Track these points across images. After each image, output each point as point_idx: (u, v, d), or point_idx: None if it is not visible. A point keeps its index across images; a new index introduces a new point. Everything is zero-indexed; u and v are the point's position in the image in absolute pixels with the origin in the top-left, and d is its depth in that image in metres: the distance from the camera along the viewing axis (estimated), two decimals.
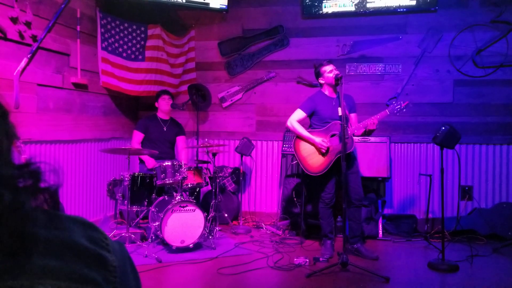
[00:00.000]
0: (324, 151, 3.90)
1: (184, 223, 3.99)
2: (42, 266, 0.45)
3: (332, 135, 3.93)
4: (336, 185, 4.04)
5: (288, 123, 4.09)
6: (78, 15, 4.58)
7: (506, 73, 5.04)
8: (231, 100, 5.77)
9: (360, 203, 4.02)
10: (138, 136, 4.90)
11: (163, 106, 4.93)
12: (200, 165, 4.87)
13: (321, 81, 4.04)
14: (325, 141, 3.90)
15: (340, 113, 3.70)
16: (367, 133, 3.88)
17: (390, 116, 3.94)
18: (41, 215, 0.49)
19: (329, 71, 3.96)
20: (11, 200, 0.45)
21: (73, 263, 0.48)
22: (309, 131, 4.02)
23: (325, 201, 4.02)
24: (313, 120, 4.09)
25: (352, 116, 4.08)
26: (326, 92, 4.05)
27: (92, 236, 0.53)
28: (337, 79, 3.82)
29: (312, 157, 3.98)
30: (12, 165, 0.48)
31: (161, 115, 5.00)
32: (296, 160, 4.10)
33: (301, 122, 4.08)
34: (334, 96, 4.03)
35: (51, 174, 0.50)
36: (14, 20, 3.72)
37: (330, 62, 4.02)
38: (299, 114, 4.07)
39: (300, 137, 4.04)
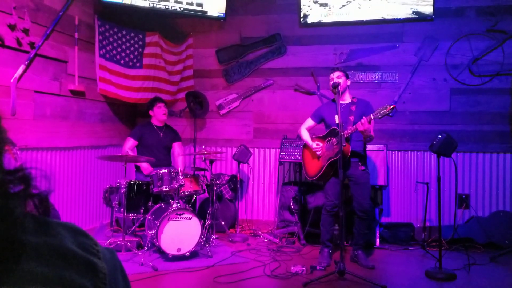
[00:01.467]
0: (318, 154, 4.04)
1: (181, 231, 3.97)
2: (30, 272, 0.45)
3: (328, 140, 3.98)
4: (339, 194, 4.03)
5: (299, 130, 4.33)
6: (76, 22, 4.60)
7: (502, 81, 5.07)
8: (229, 108, 5.77)
9: (365, 215, 3.97)
10: (130, 143, 4.81)
11: (160, 115, 4.84)
12: (197, 172, 4.86)
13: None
14: (318, 144, 4.03)
15: (337, 121, 3.70)
16: (365, 136, 3.81)
17: (383, 121, 3.89)
18: (31, 221, 0.49)
19: (330, 78, 4.01)
20: (0, 206, 0.44)
21: (63, 269, 0.47)
22: (312, 138, 4.16)
23: (326, 208, 4.04)
24: (324, 128, 4.18)
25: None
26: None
27: (82, 243, 0.52)
28: (334, 86, 3.84)
29: (311, 162, 4.16)
30: (3, 171, 0.48)
31: (156, 122, 4.94)
32: (302, 165, 4.33)
33: (311, 129, 4.26)
34: (344, 102, 4.05)
35: (42, 180, 0.50)
36: (12, 27, 3.73)
37: (334, 70, 4.08)
38: (308, 122, 4.28)
39: (306, 144, 4.24)
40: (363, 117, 3.65)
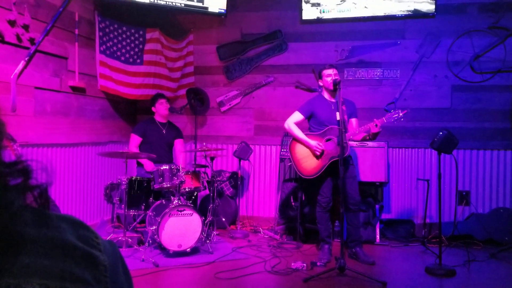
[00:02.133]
0: (318, 154, 3.95)
1: (182, 227, 3.97)
2: (30, 265, 0.44)
3: (328, 139, 3.95)
4: (333, 190, 4.04)
5: (285, 125, 4.15)
6: (77, 19, 4.59)
7: (503, 78, 5.06)
8: (230, 104, 5.77)
9: (357, 207, 4.00)
10: (135, 140, 4.87)
11: (162, 110, 4.90)
12: (198, 169, 4.86)
13: (320, 84, 4.11)
14: (320, 144, 3.94)
15: (338, 118, 3.70)
16: (372, 136, 3.84)
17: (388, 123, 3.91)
18: (30, 213, 0.48)
19: (327, 75, 3.97)
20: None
21: (63, 262, 0.47)
22: (305, 134, 4.05)
23: (321, 205, 4.03)
24: (311, 123, 4.12)
25: (353, 121, 4.07)
26: (326, 96, 4.08)
27: (82, 235, 0.52)
28: (335, 84, 3.82)
29: (306, 160, 4.03)
30: (2, 163, 0.48)
31: (159, 118, 4.98)
32: (291, 162, 4.16)
33: (298, 124, 4.11)
34: (334, 100, 4.02)
35: (41, 172, 0.50)
36: (12, 23, 3.72)
37: (331, 66, 4.04)
38: (296, 116, 4.12)
39: (296, 140, 4.09)
40: (374, 119, 3.70)
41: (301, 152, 4.06)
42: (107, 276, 0.51)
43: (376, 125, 3.68)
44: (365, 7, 5.19)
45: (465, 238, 4.58)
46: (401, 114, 3.70)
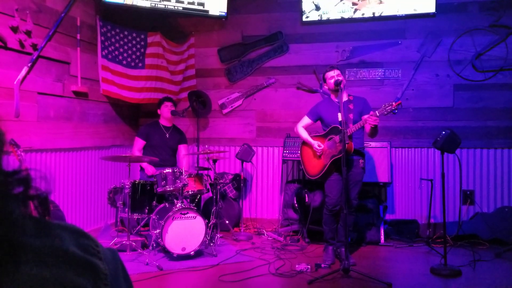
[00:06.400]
0: (319, 154, 4.00)
1: (185, 230, 3.98)
2: (30, 274, 0.45)
3: (329, 139, 3.96)
4: (340, 192, 4.01)
5: (295, 129, 4.28)
6: (78, 24, 4.61)
7: (505, 77, 5.04)
8: (231, 107, 5.77)
9: (352, 211, 3.99)
10: (139, 143, 4.88)
11: (165, 113, 4.93)
12: (200, 171, 4.86)
13: (326, 87, 4.13)
14: (320, 144, 3.99)
15: (340, 118, 3.69)
16: (371, 132, 3.81)
17: (386, 118, 3.82)
18: (30, 222, 0.48)
19: (330, 77, 3.97)
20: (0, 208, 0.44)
21: (63, 271, 0.47)
22: (312, 136, 4.12)
23: (328, 207, 4.01)
24: (322, 126, 4.16)
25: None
26: (333, 98, 4.09)
27: (83, 244, 0.52)
28: (336, 84, 3.83)
29: (311, 161, 4.11)
30: (2, 172, 0.48)
31: (163, 122, 4.99)
32: (301, 165, 4.27)
33: (308, 128, 4.22)
34: (342, 100, 4.03)
35: (41, 181, 0.50)
36: (15, 29, 3.74)
37: (332, 67, 4.04)
38: (305, 120, 4.23)
39: (304, 142, 4.20)
40: (371, 112, 3.67)
41: (308, 153, 4.17)
42: (108, 284, 0.51)
43: (370, 117, 3.63)
44: (366, 7, 5.19)
45: (470, 238, 4.56)
46: (394, 105, 3.56)
